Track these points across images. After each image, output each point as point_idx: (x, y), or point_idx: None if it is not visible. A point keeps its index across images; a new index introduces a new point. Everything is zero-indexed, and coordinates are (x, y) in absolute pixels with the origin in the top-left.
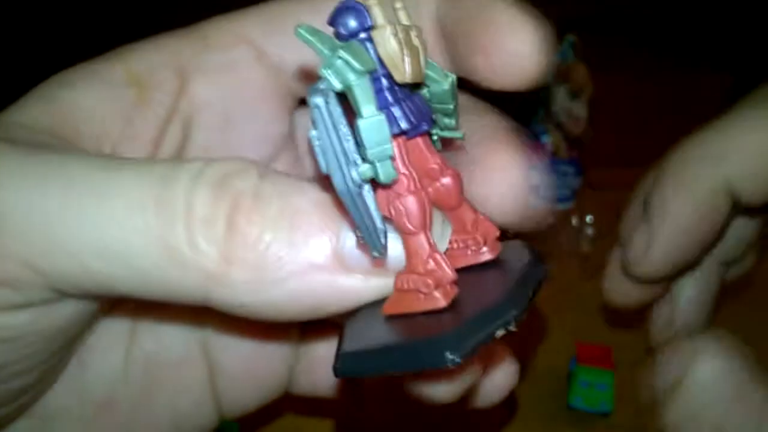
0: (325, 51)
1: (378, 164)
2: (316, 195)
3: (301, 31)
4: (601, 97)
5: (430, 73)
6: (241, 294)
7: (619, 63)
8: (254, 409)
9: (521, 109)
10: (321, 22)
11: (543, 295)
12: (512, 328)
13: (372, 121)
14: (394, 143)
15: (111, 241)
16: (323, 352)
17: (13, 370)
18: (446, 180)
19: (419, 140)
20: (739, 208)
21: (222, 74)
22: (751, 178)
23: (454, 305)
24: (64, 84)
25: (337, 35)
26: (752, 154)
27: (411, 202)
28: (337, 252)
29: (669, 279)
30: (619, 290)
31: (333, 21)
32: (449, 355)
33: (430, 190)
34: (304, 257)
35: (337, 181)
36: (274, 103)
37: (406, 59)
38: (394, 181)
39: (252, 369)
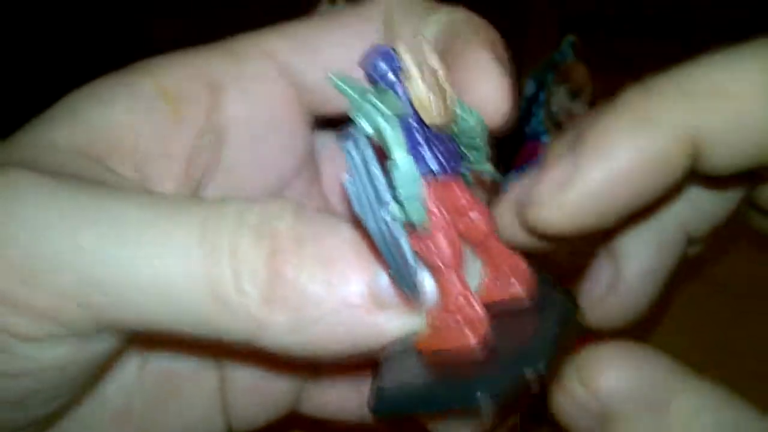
0: (356, 96)
1: (409, 205)
2: (349, 234)
3: (333, 78)
4: (601, 97)
5: (457, 110)
6: (282, 335)
7: (619, 63)
8: (262, 425)
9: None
10: (345, 43)
11: None
12: (543, 371)
13: (402, 164)
14: (424, 183)
15: (161, 282)
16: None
17: (42, 398)
18: (474, 215)
19: (449, 178)
20: (699, 172)
21: (250, 87)
22: (727, 132)
23: (485, 342)
24: (97, 100)
25: (369, 77)
26: (738, 104)
27: (441, 240)
28: (372, 290)
29: (572, 243)
30: (509, 236)
31: (364, 63)
32: (480, 396)
33: (460, 225)
34: (341, 297)
35: (369, 222)
36: (297, 118)
37: (434, 102)
38: (425, 221)
39: (262, 385)
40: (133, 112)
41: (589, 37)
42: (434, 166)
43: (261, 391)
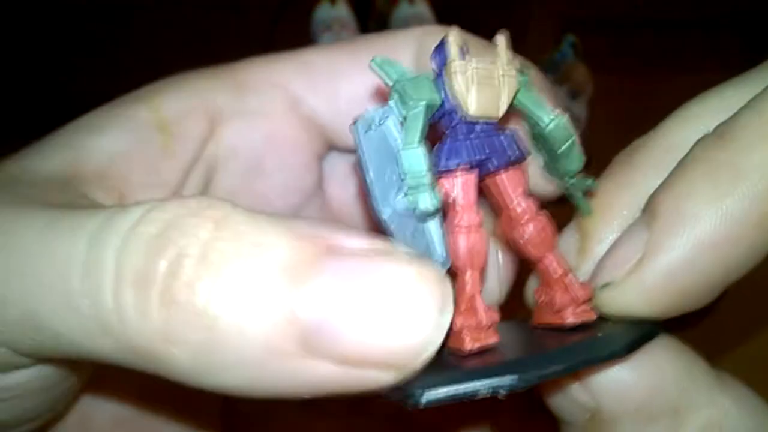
0: (391, 80)
1: (416, 193)
2: (292, 244)
3: (374, 59)
4: (601, 97)
5: (537, 113)
6: (189, 377)
7: (619, 63)
8: None
9: None
10: (364, 78)
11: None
12: (501, 395)
13: (408, 151)
14: (456, 176)
15: (42, 311)
16: None
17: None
18: (528, 228)
19: (502, 178)
20: None
21: (253, 121)
22: None
23: (484, 353)
24: (91, 129)
25: (433, 69)
26: None
27: (460, 240)
28: (303, 331)
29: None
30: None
31: (432, 54)
32: (413, 396)
33: (511, 234)
34: (262, 337)
35: (372, 205)
36: (305, 153)
37: (472, 95)
38: (433, 212)
39: None
40: (125, 141)
41: (589, 37)
42: (463, 158)
43: None
